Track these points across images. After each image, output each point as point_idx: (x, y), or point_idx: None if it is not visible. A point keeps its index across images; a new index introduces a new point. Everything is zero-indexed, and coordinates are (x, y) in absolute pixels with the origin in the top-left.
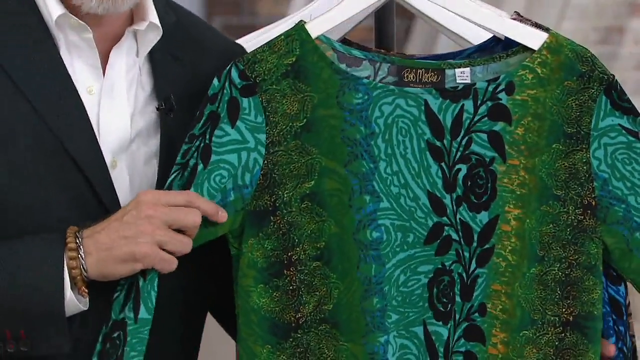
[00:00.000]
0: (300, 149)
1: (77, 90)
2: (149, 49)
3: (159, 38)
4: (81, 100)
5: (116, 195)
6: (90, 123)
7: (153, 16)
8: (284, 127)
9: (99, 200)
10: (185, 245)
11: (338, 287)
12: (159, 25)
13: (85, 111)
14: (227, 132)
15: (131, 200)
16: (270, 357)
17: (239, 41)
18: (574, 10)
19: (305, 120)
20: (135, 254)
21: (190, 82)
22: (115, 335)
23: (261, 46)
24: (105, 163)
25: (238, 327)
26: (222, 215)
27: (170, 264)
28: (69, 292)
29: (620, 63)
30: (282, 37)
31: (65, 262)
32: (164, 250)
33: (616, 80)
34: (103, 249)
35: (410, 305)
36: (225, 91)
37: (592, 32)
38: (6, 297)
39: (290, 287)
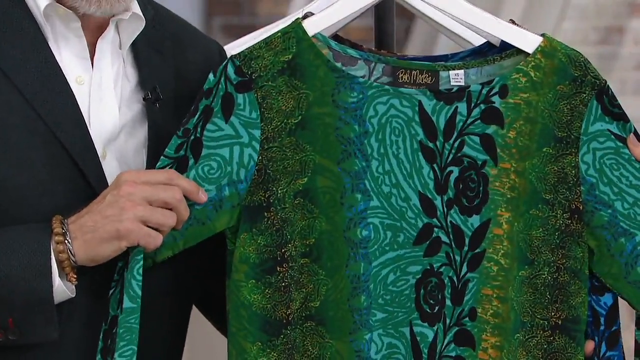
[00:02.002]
0: (295, 146)
1: (67, 81)
2: (132, 40)
3: (141, 29)
4: (72, 90)
5: (108, 185)
6: (82, 114)
7: (135, 7)
8: (279, 123)
9: (92, 191)
10: (167, 217)
11: (326, 284)
12: (142, 15)
13: (76, 102)
14: (220, 127)
15: (112, 182)
16: (261, 354)
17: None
18: (574, 10)
19: (300, 117)
20: (119, 231)
21: (172, 74)
22: (114, 331)
23: (258, 43)
24: (97, 154)
25: (228, 322)
26: (202, 196)
27: (155, 239)
28: (57, 279)
29: (620, 63)
30: (279, 34)
31: (52, 248)
32: (149, 227)
33: (608, 85)
34: (87, 231)
35: (398, 305)
36: (220, 86)
37: (592, 32)
38: None
39: (283, 284)
